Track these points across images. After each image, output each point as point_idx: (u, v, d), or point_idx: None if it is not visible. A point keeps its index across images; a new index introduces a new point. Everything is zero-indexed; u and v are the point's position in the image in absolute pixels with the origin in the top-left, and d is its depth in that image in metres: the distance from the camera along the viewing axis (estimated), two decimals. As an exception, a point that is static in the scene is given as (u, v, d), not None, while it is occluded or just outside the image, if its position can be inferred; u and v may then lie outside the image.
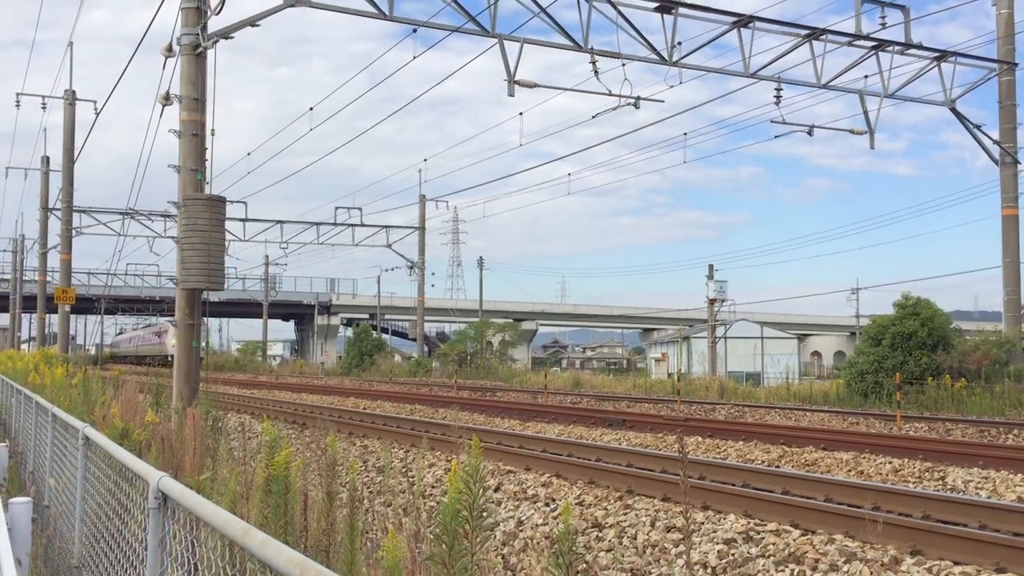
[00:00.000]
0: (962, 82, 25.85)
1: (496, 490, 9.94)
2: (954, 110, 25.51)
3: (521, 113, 25.08)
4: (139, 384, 16.12)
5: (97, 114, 31.24)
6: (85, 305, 66.66)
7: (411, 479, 10.96)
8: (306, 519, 5.40)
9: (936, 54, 24.27)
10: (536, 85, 20.88)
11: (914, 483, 10.45)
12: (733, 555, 6.93)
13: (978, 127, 26.10)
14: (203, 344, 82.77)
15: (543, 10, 19.77)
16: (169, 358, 70.58)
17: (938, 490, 9.84)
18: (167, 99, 15.74)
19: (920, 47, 23.73)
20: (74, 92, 33.52)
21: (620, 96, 21.41)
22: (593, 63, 20.44)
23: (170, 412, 12.22)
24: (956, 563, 6.43)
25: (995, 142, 25.79)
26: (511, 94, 19.82)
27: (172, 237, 41.84)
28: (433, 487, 10.41)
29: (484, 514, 3.72)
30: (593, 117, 23.45)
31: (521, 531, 8.22)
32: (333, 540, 5.17)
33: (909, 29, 23.27)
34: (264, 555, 2.31)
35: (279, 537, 4.74)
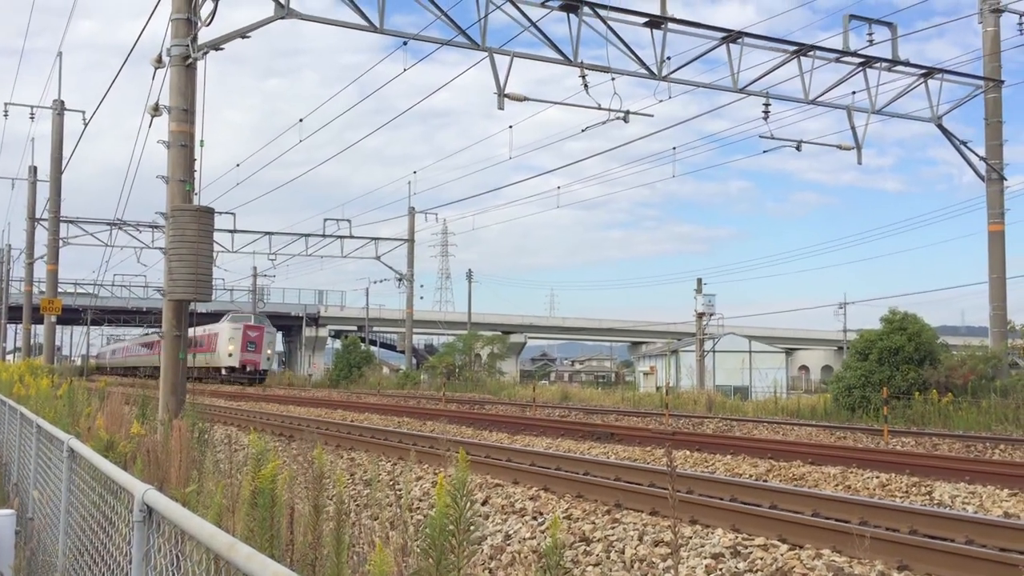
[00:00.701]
0: (949, 99, 26.05)
1: (484, 503, 9.91)
2: (941, 126, 25.69)
3: (511, 126, 25.14)
4: (125, 396, 16.03)
5: (86, 124, 31.19)
6: (71, 316, 66.31)
7: (398, 492, 10.91)
8: (292, 533, 5.37)
9: (923, 71, 24.46)
10: (526, 98, 20.94)
11: (901, 498, 10.47)
12: (721, 570, 6.92)
13: (964, 143, 26.29)
14: (273, 353, 64.81)
15: (533, 24, 19.85)
16: (224, 370, 57.09)
17: (925, 505, 9.86)
18: (156, 110, 15.73)
19: (907, 64, 23.91)
20: (63, 102, 33.47)
21: (610, 110, 21.49)
22: (583, 77, 20.52)
23: (156, 424, 12.16)
24: (943, 578, 6.45)
25: (981, 158, 25.97)
26: (501, 107, 19.88)
27: (160, 248, 41.68)
28: (421, 500, 10.37)
29: (471, 528, 3.70)
30: (583, 131, 23.55)
31: (508, 545, 8.20)
32: (319, 554, 5.14)
33: (896, 46, 23.46)
34: (250, 569, 2.30)
35: (265, 551, 4.71)
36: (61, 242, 36.12)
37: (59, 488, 5.94)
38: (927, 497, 10.45)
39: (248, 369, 57.85)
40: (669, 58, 21.29)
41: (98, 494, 4.86)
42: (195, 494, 6.49)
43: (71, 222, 43.02)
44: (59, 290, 34.92)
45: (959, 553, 6.75)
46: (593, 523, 8.59)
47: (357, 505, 10.44)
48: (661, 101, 21.85)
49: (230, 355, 57.16)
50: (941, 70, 24.87)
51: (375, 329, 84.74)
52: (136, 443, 8.96)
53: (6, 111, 37.07)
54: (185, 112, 15.22)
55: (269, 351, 60.34)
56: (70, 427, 9.42)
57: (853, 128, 23.92)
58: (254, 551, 2.35)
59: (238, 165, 53.96)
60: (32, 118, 36.10)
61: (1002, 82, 25.96)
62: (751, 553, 7.24)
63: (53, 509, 6.33)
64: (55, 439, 6.37)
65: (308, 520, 5.30)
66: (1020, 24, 25.24)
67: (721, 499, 9.45)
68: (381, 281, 63.35)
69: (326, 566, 5.03)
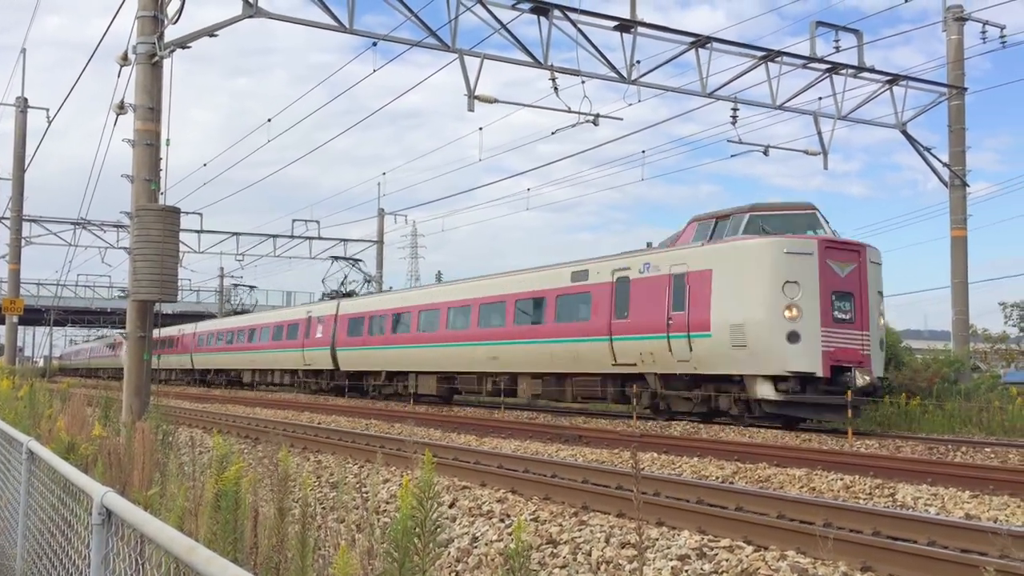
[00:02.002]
0: (914, 105, 26.39)
1: (451, 506, 9.88)
2: (905, 133, 26.01)
3: (481, 128, 25.13)
4: (87, 397, 15.82)
5: (49, 122, 30.78)
6: (34, 316, 65.40)
7: (365, 495, 10.86)
8: (256, 536, 5.32)
9: (888, 77, 24.75)
10: (495, 100, 20.94)
11: (865, 499, 10.57)
12: (687, 571, 6.95)
13: (928, 150, 26.63)
14: (883, 329, 19.19)
15: (503, 26, 19.86)
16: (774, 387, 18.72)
17: (888, 506, 9.96)
18: (122, 108, 15.55)
19: (872, 70, 24.19)
20: (26, 99, 33.01)
21: (579, 113, 21.55)
22: (553, 80, 20.55)
23: (119, 426, 12.01)
24: (905, 579, 6.51)
25: (945, 165, 26.33)
26: (471, 109, 19.86)
27: (124, 248, 41.24)
28: (388, 503, 10.32)
29: (437, 529, 3.69)
30: (552, 133, 23.60)
31: (475, 547, 8.17)
32: (284, 557, 5.09)
33: (862, 53, 23.72)
34: (210, 573, 2.27)
35: (228, 554, 4.66)
36: (24, 241, 35.63)
37: (18, 491, 5.84)
38: (890, 499, 10.55)
39: (860, 381, 18.52)
40: (639, 62, 21.39)
41: (58, 497, 4.79)
42: (158, 497, 6.41)
43: (34, 221, 42.45)
44: (21, 290, 34.42)
45: (921, 554, 6.82)
46: (560, 525, 8.59)
47: (323, 508, 10.36)
48: (630, 104, 21.94)
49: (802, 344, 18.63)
50: (905, 77, 25.19)
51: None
52: (98, 445, 8.84)
53: (-33, 108, 36.48)
54: (151, 111, 15.07)
55: (882, 320, 20.57)
56: (30, 429, 9.28)
57: (819, 133, 24.17)
58: (214, 554, 2.32)
59: (205, 165, 53.67)
60: (-6, 115, 35.63)
61: (965, 89, 26.34)
62: (716, 555, 7.28)
63: (12, 512, 6.23)
64: (14, 441, 6.27)
65: (273, 523, 5.25)
66: (983, 32, 25.64)
67: (688, 501, 9.50)
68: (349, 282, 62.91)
69: (290, 569, 4.98)
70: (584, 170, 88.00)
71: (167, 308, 57.21)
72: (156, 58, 15.07)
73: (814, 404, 18.67)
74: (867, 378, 18.63)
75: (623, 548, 7.62)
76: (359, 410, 27.65)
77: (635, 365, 21.48)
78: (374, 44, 19.31)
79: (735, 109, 22.70)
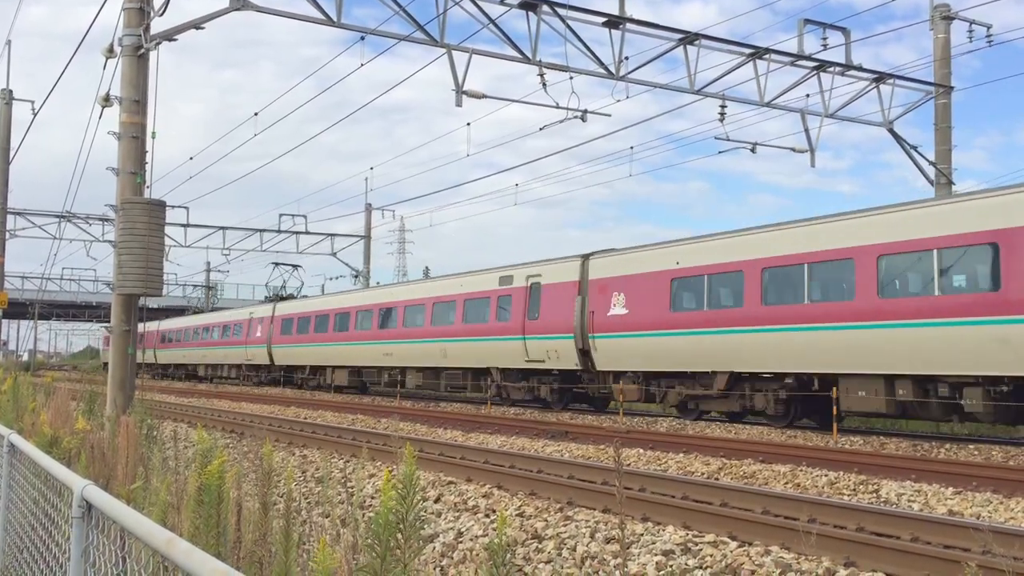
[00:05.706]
0: (903, 102, 26.45)
1: (436, 501, 9.88)
2: (892, 131, 26.09)
3: (469, 123, 25.08)
4: (71, 392, 15.74)
5: (35, 115, 30.57)
6: (18, 310, 65.04)
7: (351, 490, 10.84)
8: (240, 530, 5.30)
9: (875, 76, 24.83)
10: (484, 96, 20.89)
11: (849, 495, 10.62)
12: (671, 566, 6.96)
13: (915, 148, 26.71)
14: None
15: (492, 21, 19.81)
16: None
17: (872, 502, 10.00)
18: (107, 101, 15.45)
19: (860, 68, 24.25)
20: (11, 91, 32.76)
21: (567, 109, 21.53)
22: (541, 75, 20.52)
23: (103, 420, 11.96)
24: (888, 575, 6.55)
25: (931, 163, 26.42)
26: (459, 104, 19.82)
27: (110, 241, 40.97)
28: (373, 497, 10.31)
29: (418, 523, 3.68)
30: (540, 129, 23.62)
31: (460, 542, 8.17)
32: (267, 552, 5.08)
33: (850, 51, 23.79)
34: (189, 565, 2.25)
35: (211, 548, 4.64)
36: (8, 234, 35.41)
37: (-1, 484, 5.80)
38: (874, 495, 10.60)
39: None
40: (627, 58, 21.37)
41: (39, 491, 4.76)
42: (141, 491, 6.38)
43: (18, 214, 42.14)
44: (5, 283, 34.22)
45: (904, 550, 6.86)
46: (546, 520, 8.59)
47: (308, 503, 10.35)
48: (619, 101, 21.93)
49: None
50: (892, 75, 25.26)
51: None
52: (81, 439, 8.79)
53: (-49, 100, 36.14)
54: (137, 103, 14.98)
55: None
56: (13, 422, 9.23)
57: (807, 131, 24.22)
58: (193, 547, 2.31)
59: (191, 158, 53.27)
60: (-22, 107, 35.23)
61: (952, 88, 26.44)
62: (701, 550, 7.30)
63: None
64: (-5, 434, 6.23)
65: (257, 517, 5.23)
66: (970, 31, 25.74)
67: (673, 497, 9.52)
68: (337, 278, 62.86)
69: (274, 564, 4.97)
70: (573, 166, 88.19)
71: (152, 302, 56.95)
72: (142, 50, 14.98)
73: None
74: None
75: (608, 543, 7.63)
76: (345, 405, 27.60)
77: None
78: (362, 38, 19.25)
79: (723, 106, 22.73)
